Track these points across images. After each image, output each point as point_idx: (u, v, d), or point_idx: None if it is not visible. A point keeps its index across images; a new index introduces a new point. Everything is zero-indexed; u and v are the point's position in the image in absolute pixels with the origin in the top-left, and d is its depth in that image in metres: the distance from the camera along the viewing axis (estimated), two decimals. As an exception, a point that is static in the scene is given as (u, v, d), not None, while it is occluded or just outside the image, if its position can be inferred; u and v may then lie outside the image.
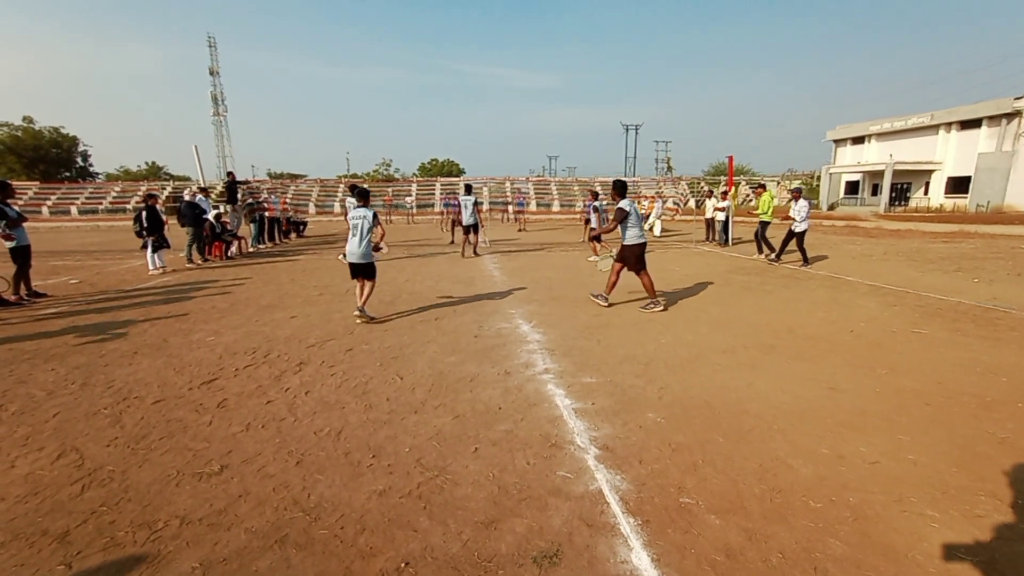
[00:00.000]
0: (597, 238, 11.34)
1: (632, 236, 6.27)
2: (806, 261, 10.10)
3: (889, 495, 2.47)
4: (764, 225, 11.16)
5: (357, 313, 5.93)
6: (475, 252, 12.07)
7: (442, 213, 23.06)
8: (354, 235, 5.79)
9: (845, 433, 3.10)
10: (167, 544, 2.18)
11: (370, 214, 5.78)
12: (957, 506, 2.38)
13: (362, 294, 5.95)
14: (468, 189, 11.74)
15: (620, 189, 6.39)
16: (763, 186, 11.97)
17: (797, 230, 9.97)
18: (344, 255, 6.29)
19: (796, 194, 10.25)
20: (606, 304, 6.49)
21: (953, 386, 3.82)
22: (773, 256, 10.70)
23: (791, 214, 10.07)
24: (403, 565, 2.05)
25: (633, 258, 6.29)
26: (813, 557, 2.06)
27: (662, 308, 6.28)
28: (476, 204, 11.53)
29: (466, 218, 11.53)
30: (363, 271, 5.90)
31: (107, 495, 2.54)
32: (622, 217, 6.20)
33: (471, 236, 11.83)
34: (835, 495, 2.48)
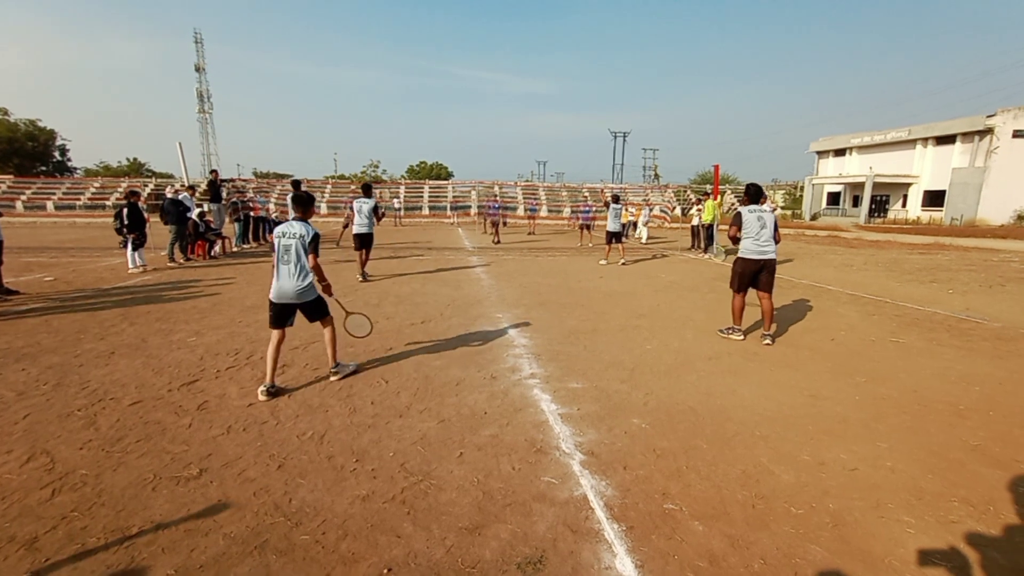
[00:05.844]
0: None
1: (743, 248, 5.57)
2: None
3: (867, 501, 2.52)
4: (707, 227, 13.51)
5: None
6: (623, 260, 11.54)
7: (570, 220, 24.19)
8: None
9: (826, 440, 3.15)
10: (141, 550, 2.12)
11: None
12: (932, 512, 2.44)
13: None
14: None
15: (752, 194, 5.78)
16: (708, 195, 14.41)
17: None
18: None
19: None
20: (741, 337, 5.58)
21: (929, 394, 3.92)
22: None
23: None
24: (386, 571, 2.02)
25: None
26: (794, 563, 2.09)
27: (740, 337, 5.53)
28: (618, 212, 11.38)
29: (612, 225, 11.25)
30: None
31: (79, 500, 2.46)
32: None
33: (614, 243, 11.33)
34: (816, 501, 2.51)
